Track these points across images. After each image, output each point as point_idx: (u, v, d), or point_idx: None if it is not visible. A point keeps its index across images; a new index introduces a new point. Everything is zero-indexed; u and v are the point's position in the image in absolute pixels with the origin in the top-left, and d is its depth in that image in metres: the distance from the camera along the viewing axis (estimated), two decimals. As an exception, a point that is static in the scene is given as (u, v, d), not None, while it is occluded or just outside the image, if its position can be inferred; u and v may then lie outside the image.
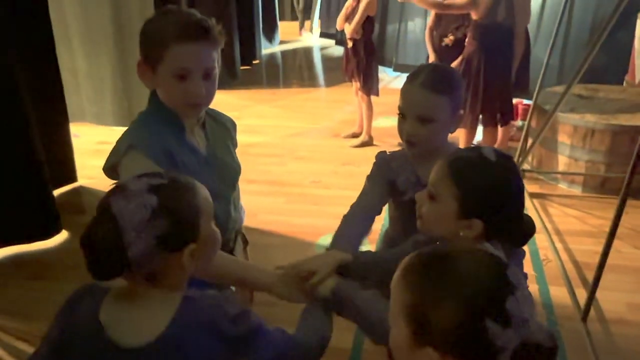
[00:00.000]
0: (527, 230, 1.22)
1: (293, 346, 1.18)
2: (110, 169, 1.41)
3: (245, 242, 1.76)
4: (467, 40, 4.23)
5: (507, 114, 4.37)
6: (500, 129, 4.50)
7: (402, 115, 1.56)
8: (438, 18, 4.71)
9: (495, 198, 1.15)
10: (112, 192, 0.99)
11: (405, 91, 1.55)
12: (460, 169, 1.17)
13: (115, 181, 1.36)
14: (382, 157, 1.68)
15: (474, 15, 4.09)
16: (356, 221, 1.58)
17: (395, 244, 1.83)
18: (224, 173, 1.55)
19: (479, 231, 1.16)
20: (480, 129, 4.48)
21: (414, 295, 0.84)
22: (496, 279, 0.82)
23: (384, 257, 1.49)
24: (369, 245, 3.50)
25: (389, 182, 1.63)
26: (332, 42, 9.60)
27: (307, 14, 10.99)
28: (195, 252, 1.02)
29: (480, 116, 4.32)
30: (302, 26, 10.81)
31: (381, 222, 3.72)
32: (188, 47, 1.33)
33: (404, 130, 1.55)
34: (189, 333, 1.00)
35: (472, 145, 4.42)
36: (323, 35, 10.12)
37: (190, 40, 1.33)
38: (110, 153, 1.41)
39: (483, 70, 4.08)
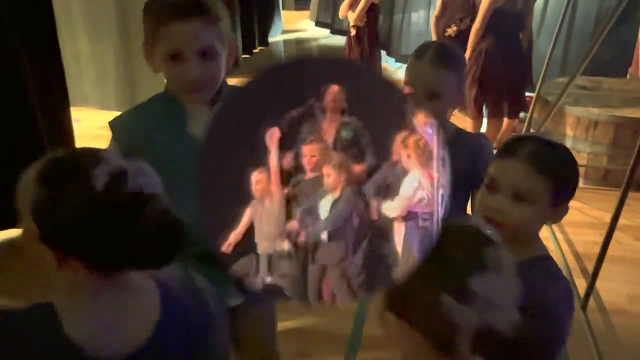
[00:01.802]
0: None
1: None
2: None
3: None
4: None
5: (516, 106, 4.28)
6: (505, 121, 4.41)
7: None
8: (444, 7, 4.66)
9: (577, 176, 1.21)
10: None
11: (413, 68, 1.59)
12: (545, 161, 1.15)
13: None
14: None
15: None
16: None
17: None
18: None
19: (566, 213, 1.20)
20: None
21: None
22: (466, 254, 0.80)
23: None
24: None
25: None
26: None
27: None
28: None
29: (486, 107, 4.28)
30: None
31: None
32: (178, 26, 1.25)
33: None
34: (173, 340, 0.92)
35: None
36: (319, 24, 9.45)
37: (180, 18, 1.25)
38: None
39: (491, 59, 4.01)
